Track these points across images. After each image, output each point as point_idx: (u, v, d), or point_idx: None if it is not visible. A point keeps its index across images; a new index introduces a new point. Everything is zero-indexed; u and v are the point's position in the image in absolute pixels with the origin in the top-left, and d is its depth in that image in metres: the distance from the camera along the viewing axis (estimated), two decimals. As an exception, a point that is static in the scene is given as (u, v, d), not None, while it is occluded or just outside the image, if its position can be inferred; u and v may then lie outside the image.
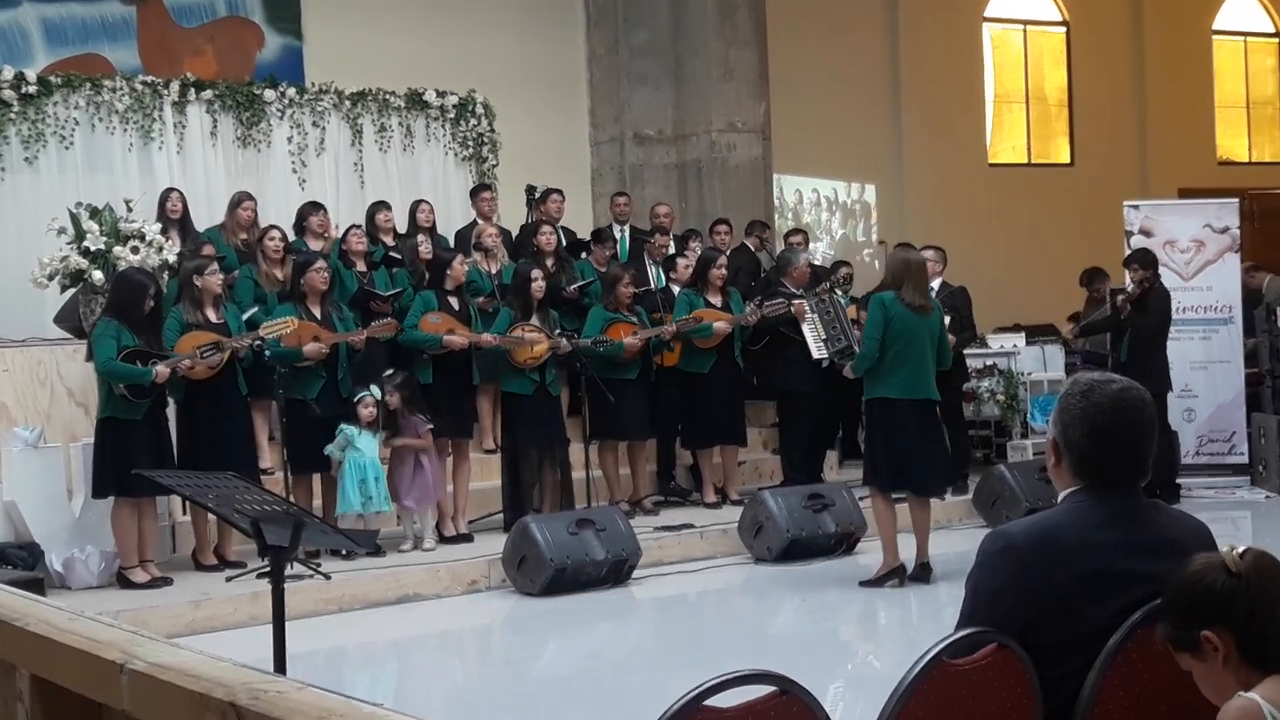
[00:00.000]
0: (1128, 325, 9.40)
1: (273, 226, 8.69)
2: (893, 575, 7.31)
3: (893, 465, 7.19)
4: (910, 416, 7.20)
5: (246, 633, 6.40)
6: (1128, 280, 9.69)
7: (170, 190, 8.93)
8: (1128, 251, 10.13)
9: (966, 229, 13.77)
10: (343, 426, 7.72)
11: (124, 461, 6.82)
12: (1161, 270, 9.74)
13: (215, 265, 7.66)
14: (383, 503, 7.77)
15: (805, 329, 8.96)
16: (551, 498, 8.39)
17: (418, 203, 9.65)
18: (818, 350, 8.84)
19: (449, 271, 8.36)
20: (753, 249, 10.81)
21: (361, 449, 7.71)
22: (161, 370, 6.99)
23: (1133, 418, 2.61)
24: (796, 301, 9.02)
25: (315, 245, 8.87)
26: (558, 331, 8.44)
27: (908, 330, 7.15)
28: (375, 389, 7.87)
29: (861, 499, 8.11)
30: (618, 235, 10.40)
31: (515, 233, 10.09)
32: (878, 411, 7.27)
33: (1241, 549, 2.33)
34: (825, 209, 14.58)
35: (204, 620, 6.75)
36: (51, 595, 6.31)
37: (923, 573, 7.34)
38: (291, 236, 8.85)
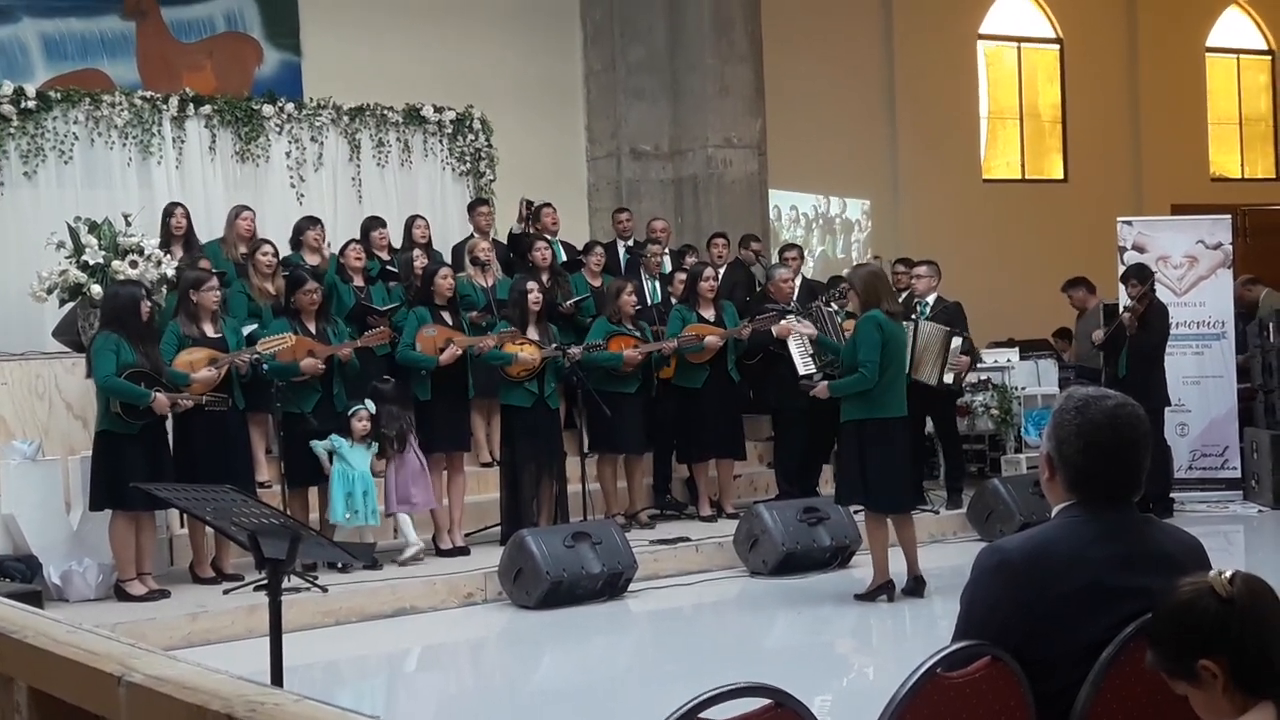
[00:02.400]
0: (1124, 341, 9.42)
1: (265, 241, 8.69)
2: (882, 591, 7.32)
3: (889, 486, 7.14)
4: (903, 435, 7.22)
5: (243, 645, 6.40)
6: (1123, 296, 9.71)
7: (175, 205, 8.89)
8: (1121, 267, 10.16)
9: (961, 244, 13.79)
10: (334, 436, 7.74)
11: (121, 474, 6.82)
12: (1155, 286, 9.77)
13: (214, 280, 7.68)
14: (370, 517, 7.77)
15: (791, 345, 8.93)
16: (548, 511, 8.40)
17: (413, 218, 9.66)
18: (804, 366, 8.79)
19: (433, 287, 8.34)
20: (746, 264, 10.84)
21: (351, 463, 7.73)
22: (161, 400, 7.00)
23: (1127, 434, 2.62)
24: (780, 324, 8.99)
25: (312, 260, 8.88)
26: (553, 346, 8.42)
27: (898, 346, 7.19)
28: (369, 403, 7.89)
29: (856, 512, 8.12)
30: (621, 252, 10.42)
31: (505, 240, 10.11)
32: (873, 432, 7.10)
33: (1229, 573, 2.25)
34: (803, 225, 14.58)
35: (201, 633, 6.74)
36: (49, 608, 6.28)
37: (916, 586, 7.35)
38: (287, 251, 8.87)
